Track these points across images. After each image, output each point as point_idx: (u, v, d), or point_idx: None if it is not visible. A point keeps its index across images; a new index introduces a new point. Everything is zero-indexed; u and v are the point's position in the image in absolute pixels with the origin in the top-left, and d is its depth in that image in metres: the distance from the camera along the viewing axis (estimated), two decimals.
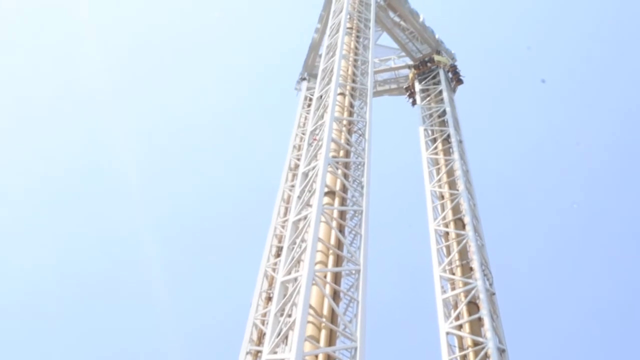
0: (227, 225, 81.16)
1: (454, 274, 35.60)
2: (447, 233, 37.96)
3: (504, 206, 77.77)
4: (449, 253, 36.90)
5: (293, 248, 27.30)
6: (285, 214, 36.77)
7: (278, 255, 33.49)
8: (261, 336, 30.06)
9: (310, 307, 24.23)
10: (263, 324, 30.50)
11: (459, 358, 31.70)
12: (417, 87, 50.44)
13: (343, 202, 30.51)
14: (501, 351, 31.18)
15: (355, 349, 23.87)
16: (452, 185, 40.73)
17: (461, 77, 51.15)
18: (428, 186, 41.12)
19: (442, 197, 40.32)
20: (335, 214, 29.51)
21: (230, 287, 71.57)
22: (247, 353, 29.56)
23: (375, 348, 27.02)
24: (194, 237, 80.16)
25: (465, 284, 34.41)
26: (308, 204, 28.82)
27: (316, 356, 23.44)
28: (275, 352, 23.34)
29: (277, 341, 23.51)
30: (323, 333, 24.45)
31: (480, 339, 31.60)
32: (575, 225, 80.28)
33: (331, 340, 24.39)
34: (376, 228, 31.55)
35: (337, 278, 26.99)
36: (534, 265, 77.47)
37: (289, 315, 24.12)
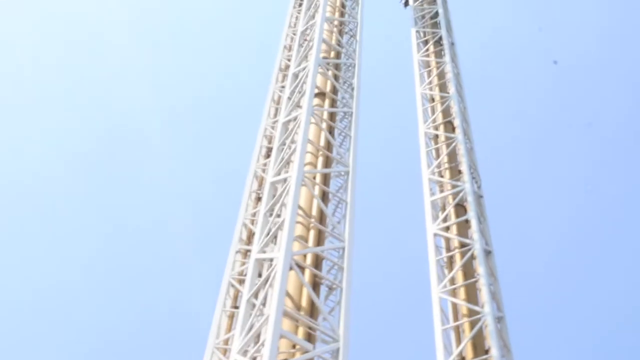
0: (215, 125, 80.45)
1: (442, 176, 35.68)
2: (437, 136, 37.89)
3: (494, 111, 77.51)
4: (438, 156, 36.88)
5: (282, 149, 27.41)
6: (275, 115, 36.54)
7: (268, 156, 33.47)
8: (251, 236, 30.36)
9: (299, 207, 24.52)
10: (252, 223, 30.76)
11: (445, 259, 32.12)
12: None
13: (333, 103, 30.56)
14: (487, 252, 31.61)
15: (343, 249, 24.23)
16: (442, 87, 40.40)
17: None
18: (418, 89, 40.75)
19: (433, 99, 40.01)
20: (325, 116, 29.60)
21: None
22: (237, 252, 29.89)
23: (362, 248, 27.40)
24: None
25: (454, 186, 34.57)
26: (298, 105, 28.84)
27: (305, 256, 23.72)
28: (265, 252, 23.67)
29: (266, 240, 23.88)
30: (312, 233, 24.81)
31: (467, 241, 31.97)
32: (567, 134, 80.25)
33: (320, 240, 24.78)
34: (366, 130, 31.85)
35: (326, 179, 27.25)
36: (523, 168, 77.85)
37: (278, 216, 24.40)
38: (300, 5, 42.82)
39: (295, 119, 28.00)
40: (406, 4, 49.53)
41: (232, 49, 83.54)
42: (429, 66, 42.33)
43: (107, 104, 75.50)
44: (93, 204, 71.30)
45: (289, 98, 29.68)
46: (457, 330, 29.60)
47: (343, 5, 36.43)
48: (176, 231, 71.67)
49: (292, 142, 27.08)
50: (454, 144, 36.78)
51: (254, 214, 31.28)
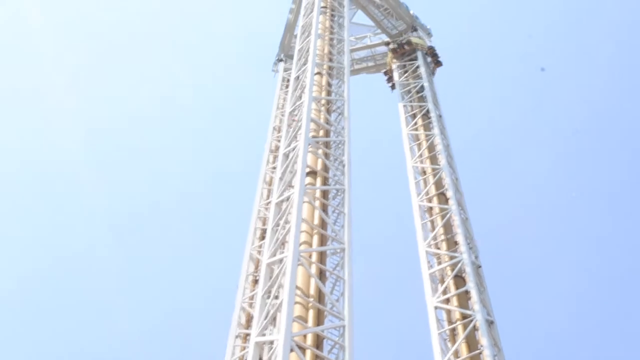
0: (210, 211, 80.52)
1: (439, 248, 35.55)
2: (431, 208, 37.94)
3: (486, 179, 77.85)
4: (433, 228, 36.88)
5: (277, 230, 27.15)
6: (268, 196, 36.58)
7: (263, 237, 33.34)
8: (249, 319, 29.96)
9: (297, 287, 24.14)
10: (251, 306, 30.39)
11: (447, 332, 31.74)
12: (395, 64, 50.10)
13: (325, 181, 30.44)
14: (489, 323, 31.29)
15: (344, 327, 23.78)
16: (433, 160, 40.68)
17: (439, 59, 50.31)
18: (410, 162, 41.04)
19: (424, 172, 40.24)
20: (318, 194, 29.43)
21: (215, 276, 70.84)
22: (237, 337, 29.45)
23: (363, 325, 27.01)
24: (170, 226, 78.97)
25: (451, 257, 34.44)
26: (290, 185, 28.71)
27: (305, 336, 23.27)
28: (264, 334, 23.16)
29: (265, 323, 23.41)
30: (311, 313, 24.36)
31: (468, 312, 31.69)
32: (557, 195, 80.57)
33: (319, 319, 24.34)
34: (359, 206, 31.60)
35: (322, 257, 26.88)
36: (519, 237, 77.64)
37: (276, 297, 24.00)
38: (287, 86, 43.43)
39: (288, 198, 27.80)
40: (393, 87, 49.30)
41: (222, 132, 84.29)
42: (419, 139, 42.72)
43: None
44: None
45: (281, 178, 29.57)
46: None
47: (329, 84, 36.72)
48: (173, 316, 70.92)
49: (286, 222, 26.80)
50: (448, 215, 36.74)
51: (251, 297, 30.94)
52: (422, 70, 47.64)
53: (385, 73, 51.12)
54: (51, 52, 78.78)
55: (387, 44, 52.09)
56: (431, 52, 50.44)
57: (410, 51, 50.16)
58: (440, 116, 43.86)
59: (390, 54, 51.06)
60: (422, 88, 46.24)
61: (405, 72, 48.69)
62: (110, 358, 67.72)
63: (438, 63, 50.17)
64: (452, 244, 35.45)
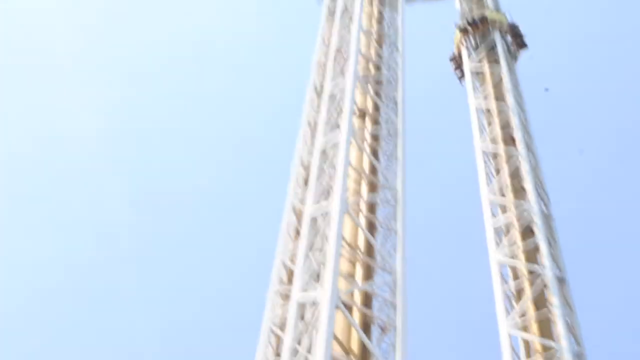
0: (246, 158, 77.68)
1: (504, 196, 33.00)
2: (496, 152, 35.09)
3: (560, 122, 73.16)
4: (498, 174, 34.19)
5: (322, 177, 25.49)
6: (311, 141, 34.54)
7: (306, 186, 31.46)
8: (291, 275, 28.15)
9: (344, 240, 22.88)
10: (292, 262, 28.42)
11: (513, 289, 29.77)
12: (464, 47, 41.79)
13: (375, 122, 29.04)
14: (561, 280, 29.15)
15: (395, 283, 22.49)
16: (499, 98, 37.13)
17: (524, 40, 41.76)
18: (472, 100, 37.88)
19: (489, 112, 37.01)
20: (368, 137, 28.21)
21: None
22: (276, 294, 27.46)
23: (417, 282, 25.88)
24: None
25: (518, 207, 31.97)
26: (336, 127, 26.97)
27: (352, 293, 22.31)
28: (307, 291, 21.59)
29: (308, 279, 22.00)
30: (359, 268, 23.45)
31: (536, 268, 29.57)
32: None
33: (368, 275, 23.38)
34: (414, 150, 30.01)
35: (372, 207, 25.75)
36: (597, 184, 73.00)
37: (320, 251, 22.44)
38: (333, 18, 41.29)
39: (333, 142, 26.04)
40: (462, 76, 41.24)
41: (260, 71, 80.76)
42: (483, 75, 39.00)
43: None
44: None
45: (326, 120, 27.78)
46: None
47: (381, 15, 35.02)
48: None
49: (332, 168, 25.15)
50: (516, 161, 33.99)
51: (293, 251, 29.09)
52: (501, 55, 39.75)
53: (453, 59, 42.93)
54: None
55: None
56: (513, 32, 42.00)
57: (484, 31, 41.70)
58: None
59: (459, 35, 42.71)
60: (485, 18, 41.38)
61: (479, 58, 40.50)
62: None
63: (521, 45, 41.86)
64: (519, 192, 32.82)
